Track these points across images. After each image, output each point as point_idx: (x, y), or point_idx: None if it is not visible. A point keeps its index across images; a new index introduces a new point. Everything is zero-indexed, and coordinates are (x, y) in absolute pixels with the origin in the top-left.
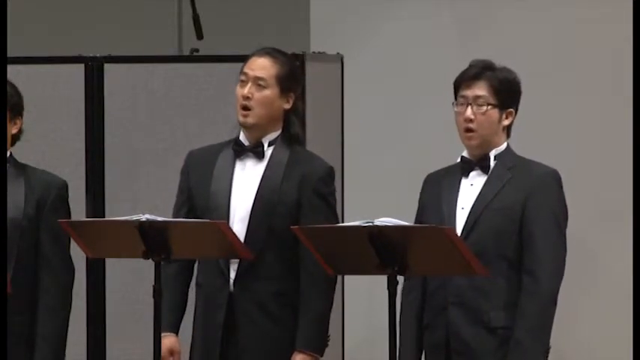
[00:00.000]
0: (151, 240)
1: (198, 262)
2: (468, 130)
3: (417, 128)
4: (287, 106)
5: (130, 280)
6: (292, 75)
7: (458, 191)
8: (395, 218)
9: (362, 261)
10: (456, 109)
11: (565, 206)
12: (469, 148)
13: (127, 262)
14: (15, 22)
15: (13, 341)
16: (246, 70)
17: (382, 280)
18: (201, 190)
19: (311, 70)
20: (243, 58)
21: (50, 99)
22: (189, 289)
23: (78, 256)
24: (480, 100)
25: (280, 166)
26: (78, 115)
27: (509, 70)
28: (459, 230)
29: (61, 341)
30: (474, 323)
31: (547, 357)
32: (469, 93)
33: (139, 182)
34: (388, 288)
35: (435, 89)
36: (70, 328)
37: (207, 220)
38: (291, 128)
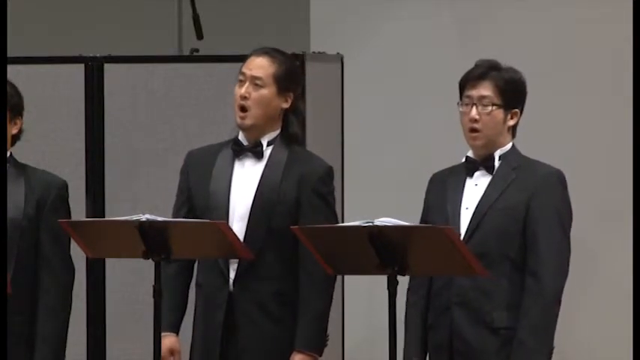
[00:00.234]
0: (151, 240)
1: (198, 262)
2: (473, 130)
3: (417, 128)
4: (285, 105)
5: (130, 280)
6: (290, 74)
7: (462, 191)
8: (395, 218)
9: (362, 261)
10: (461, 109)
11: (569, 207)
12: (474, 148)
13: (127, 262)
14: (15, 22)
15: (13, 341)
16: (244, 69)
17: (382, 280)
18: (200, 190)
19: (311, 70)
20: (243, 58)
21: (50, 99)
22: (189, 290)
23: (78, 256)
24: (485, 101)
25: (279, 166)
26: (78, 115)
27: (514, 71)
28: (462, 230)
29: (61, 341)
30: (476, 324)
31: (550, 358)
32: (474, 93)
33: (139, 182)
34: (388, 288)
35: (435, 89)
36: (70, 328)
37: (207, 220)
38: (290, 128)
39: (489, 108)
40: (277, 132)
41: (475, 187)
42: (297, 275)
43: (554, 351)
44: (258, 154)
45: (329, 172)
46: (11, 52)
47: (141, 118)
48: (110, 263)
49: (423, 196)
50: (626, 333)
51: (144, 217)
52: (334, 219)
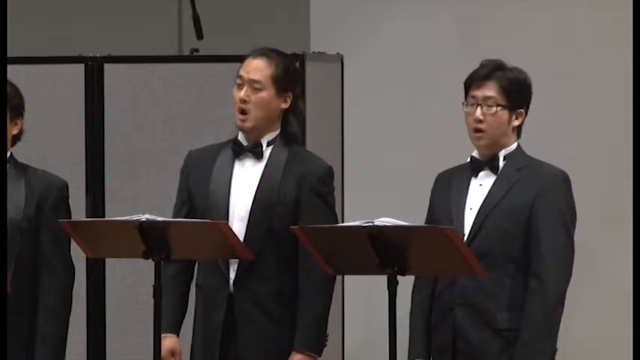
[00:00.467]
0: (151, 240)
1: (198, 263)
2: (478, 130)
3: (417, 128)
4: (285, 105)
5: (130, 280)
6: (288, 74)
7: (467, 191)
8: (395, 218)
9: (362, 261)
10: (465, 110)
11: (573, 208)
12: (478, 148)
13: (127, 262)
14: (15, 22)
15: (13, 341)
16: (241, 72)
17: (382, 280)
18: (200, 190)
19: (311, 70)
20: (243, 58)
21: (50, 99)
22: (190, 290)
23: (78, 256)
24: (490, 101)
25: (279, 166)
26: (78, 115)
27: (519, 71)
28: (466, 231)
29: (61, 341)
30: (479, 324)
31: (554, 359)
32: (479, 93)
33: (139, 182)
34: (388, 288)
35: (435, 89)
36: (70, 328)
37: (208, 220)
38: (289, 128)
39: (494, 109)
40: (277, 132)
41: (479, 188)
42: (296, 275)
43: None
44: (258, 155)
45: (329, 172)
46: (11, 52)
47: (141, 118)
48: (110, 263)
49: (423, 196)
50: (626, 333)
51: (144, 217)
52: (334, 219)
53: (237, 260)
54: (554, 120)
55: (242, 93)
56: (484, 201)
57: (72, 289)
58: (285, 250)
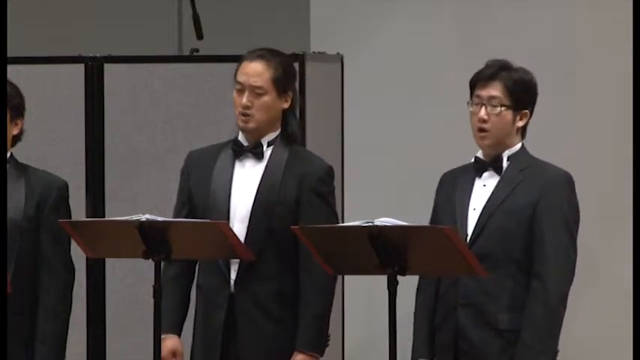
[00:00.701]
0: (151, 240)
1: (199, 264)
2: (482, 130)
3: (417, 128)
4: (285, 105)
5: (130, 280)
6: (287, 74)
7: (471, 192)
8: (395, 218)
9: (362, 261)
10: (470, 109)
11: (577, 209)
12: (482, 148)
13: (127, 262)
14: (15, 22)
15: (13, 341)
16: (241, 78)
17: (382, 280)
18: (201, 191)
19: (311, 70)
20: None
21: (50, 99)
22: (191, 291)
23: (78, 256)
24: (494, 101)
25: (280, 166)
26: (78, 115)
27: (525, 71)
28: (469, 231)
29: (61, 341)
30: (481, 325)
31: None
32: (484, 93)
33: (139, 182)
34: (388, 288)
35: (435, 89)
36: (70, 328)
37: (208, 221)
38: (290, 127)
39: (498, 109)
40: (277, 132)
41: (483, 188)
42: (297, 275)
43: None
44: (258, 155)
45: (329, 172)
46: (11, 52)
47: (141, 118)
48: (110, 263)
49: (423, 196)
50: (626, 333)
51: (144, 217)
52: (335, 219)
53: (237, 260)
54: (554, 120)
55: (244, 99)
56: (487, 201)
57: (72, 289)
58: (286, 250)
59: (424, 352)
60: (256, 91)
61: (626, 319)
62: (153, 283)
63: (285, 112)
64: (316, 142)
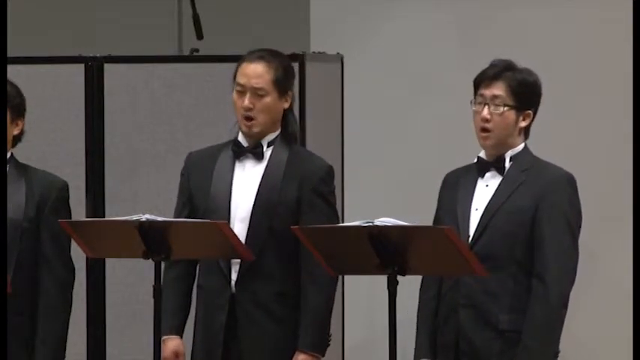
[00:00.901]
0: (151, 240)
1: (199, 265)
2: (484, 129)
3: (416, 128)
4: (286, 105)
5: (130, 280)
6: (287, 74)
7: (473, 192)
8: (395, 218)
9: (362, 261)
10: (473, 108)
11: (578, 210)
12: (485, 148)
13: (127, 262)
14: (15, 22)
15: (13, 341)
16: (241, 80)
17: (382, 280)
18: (201, 192)
19: (311, 70)
20: None
21: (50, 99)
22: (192, 292)
23: (78, 256)
24: (497, 101)
25: (280, 166)
26: (78, 115)
27: (529, 72)
28: (471, 231)
29: (61, 342)
30: (482, 325)
31: None
32: (487, 93)
33: (139, 182)
34: (388, 288)
35: (435, 89)
36: (70, 329)
37: (208, 220)
38: (290, 127)
39: (501, 109)
40: (277, 132)
41: (486, 188)
42: (298, 275)
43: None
44: (258, 155)
45: (329, 172)
46: (11, 52)
47: (141, 118)
48: (110, 263)
49: (423, 196)
50: (626, 333)
51: (144, 217)
52: (335, 219)
53: (238, 261)
54: (553, 120)
55: (246, 101)
56: (489, 202)
57: (72, 289)
58: (287, 250)
59: (426, 353)
60: (258, 93)
61: (625, 319)
62: (153, 283)
63: (284, 111)
64: (316, 142)
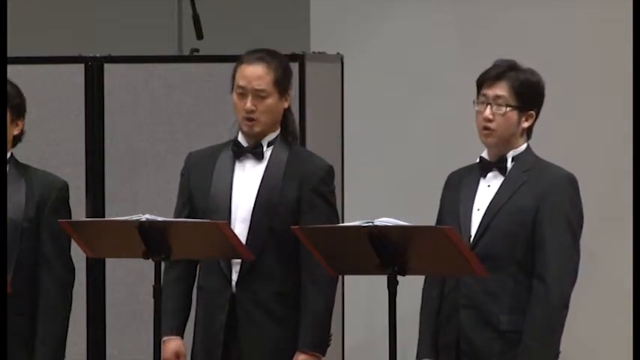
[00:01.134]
0: (151, 240)
1: (200, 265)
2: (486, 129)
3: (416, 128)
4: (286, 105)
5: (130, 280)
6: (286, 75)
7: (475, 192)
8: (395, 218)
9: (362, 261)
10: (476, 108)
11: (580, 211)
12: (487, 146)
13: (127, 262)
14: (15, 22)
15: (13, 341)
16: (242, 82)
17: (382, 280)
18: (201, 192)
19: (311, 70)
20: None
21: (50, 99)
22: (192, 292)
23: (78, 256)
24: (500, 101)
25: (280, 166)
26: (78, 115)
27: (532, 72)
28: (473, 232)
29: (61, 341)
30: (483, 325)
31: None
32: (490, 92)
33: (139, 182)
34: (388, 288)
35: (435, 89)
36: (70, 328)
37: (208, 220)
38: (290, 127)
39: (503, 109)
40: (277, 132)
41: (488, 189)
42: (299, 275)
43: None
44: (258, 155)
45: (330, 172)
46: (11, 52)
47: (141, 118)
48: (110, 263)
49: (423, 195)
50: (626, 333)
51: (144, 217)
52: (336, 218)
53: (239, 261)
54: (553, 120)
55: (248, 104)
56: (491, 202)
57: (72, 289)
58: (287, 250)
59: (428, 352)
60: (260, 95)
61: (626, 319)
62: (153, 283)
63: (284, 111)
64: (316, 142)
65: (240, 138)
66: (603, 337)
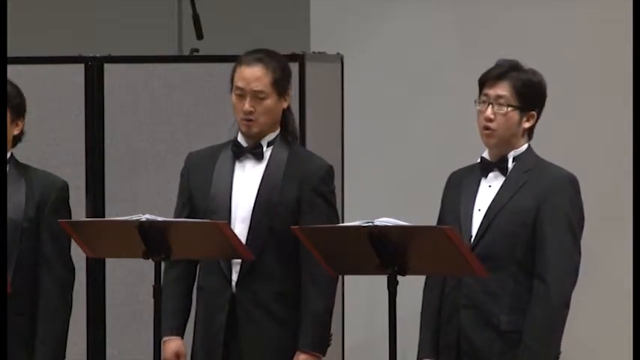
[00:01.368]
0: (151, 240)
1: (200, 265)
2: (487, 128)
3: (416, 128)
4: (285, 105)
5: (130, 280)
6: (285, 75)
7: (476, 192)
8: (395, 218)
9: (362, 261)
10: (477, 108)
11: (580, 211)
12: (488, 146)
13: (127, 262)
14: (15, 22)
15: (13, 341)
16: (241, 84)
17: (382, 280)
18: (201, 192)
19: (311, 70)
20: None
21: (50, 99)
22: (192, 292)
23: (78, 256)
24: (501, 100)
25: (280, 166)
26: (78, 115)
27: (534, 72)
28: (474, 232)
29: (61, 342)
30: (483, 326)
31: None
32: (491, 92)
33: (139, 182)
34: (388, 288)
35: (435, 89)
36: (70, 329)
37: (208, 220)
38: (289, 126)
39: (505, 109)
40: (277, 132)
41: (489, 189)
42: (299, 275)
43: None
44: (258, 155)
45: (330, 172)
46: (11, 52)
47: (141, 118)
48: (110, 263)
49: (423, 195)
50: (626, 333)
51: (144, 217)
52: (336, 218)
53: (239, 261)
54: (553, 120)
55: (247, 105)
56: (492, 202)
57: (72, 289)
58: (288, 250)
59: (429, 352)
60: (259, 96)
61: (626, 319)
62: (153, 283)
63: (284, 111)
64: (316, 142)
65: (240, 138)
66: (603, 337)
